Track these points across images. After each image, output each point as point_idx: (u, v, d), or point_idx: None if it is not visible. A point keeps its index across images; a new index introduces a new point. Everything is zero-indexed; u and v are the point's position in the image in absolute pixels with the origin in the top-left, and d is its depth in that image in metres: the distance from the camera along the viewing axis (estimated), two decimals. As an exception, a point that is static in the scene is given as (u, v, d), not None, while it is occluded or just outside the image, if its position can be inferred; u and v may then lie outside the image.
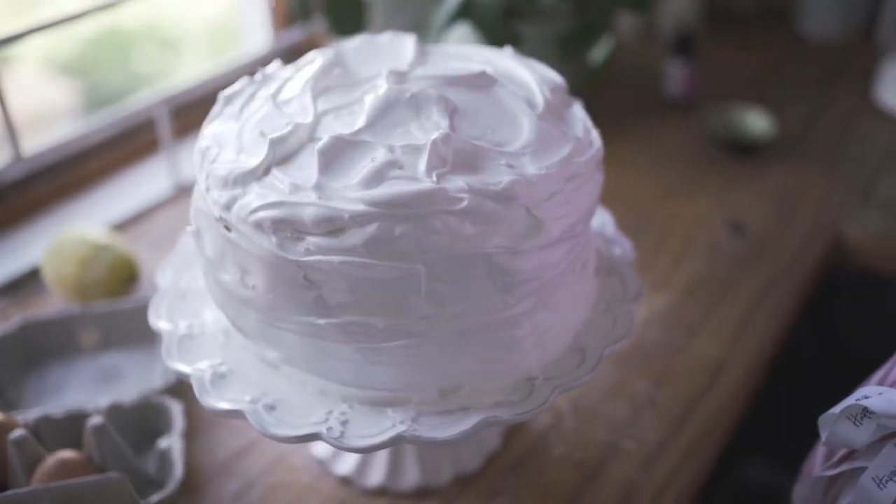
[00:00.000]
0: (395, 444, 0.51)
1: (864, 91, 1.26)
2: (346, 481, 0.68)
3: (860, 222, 0.99)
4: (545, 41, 0.97)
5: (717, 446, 0.72)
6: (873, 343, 1.21)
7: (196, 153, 0.57)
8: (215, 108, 0.60)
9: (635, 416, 0.73)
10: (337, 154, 0.51)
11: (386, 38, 0.66)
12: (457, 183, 0.49)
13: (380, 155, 0.51)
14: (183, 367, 0.56)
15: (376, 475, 0.67)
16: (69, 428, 0.68)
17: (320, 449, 0.70)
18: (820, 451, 0.61)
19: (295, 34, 1.18)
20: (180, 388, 0.74)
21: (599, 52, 1.05)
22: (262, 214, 0.50)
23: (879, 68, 1.25)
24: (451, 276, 0.50)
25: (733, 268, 0.91)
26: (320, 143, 0.51)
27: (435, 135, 0.51)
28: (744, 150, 1.11)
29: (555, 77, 0.62)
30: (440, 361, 0.53)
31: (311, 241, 0.49)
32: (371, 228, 0.48)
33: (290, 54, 1.24)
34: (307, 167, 0.51)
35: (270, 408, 0.54)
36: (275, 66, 0.64)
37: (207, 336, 0.60)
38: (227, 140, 0.55)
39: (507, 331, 0.53)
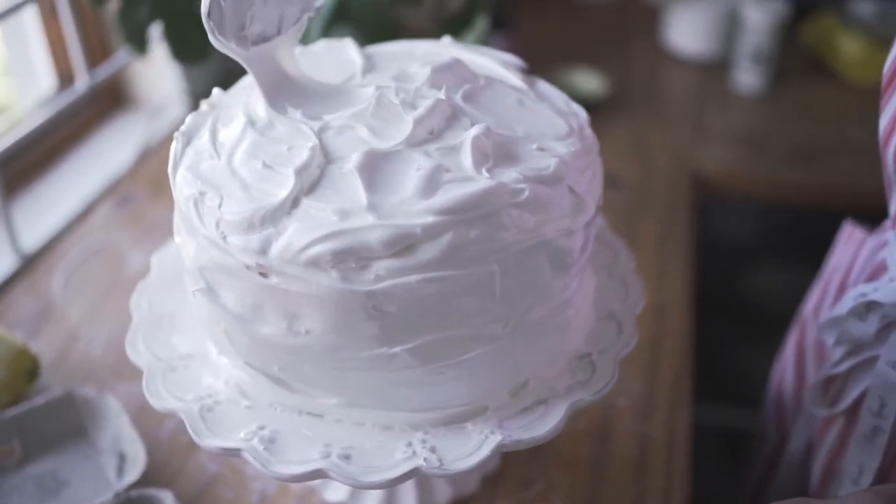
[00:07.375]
0: (498, 452, 0.49)
1: (654, 42, 1.39)
2: (376, 517, 0.64)
3: (708, 156, 1.09)
4: (424, 27, 0.96)
5: (692, 384, 0.77)
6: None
7: (185, 203, 0.49)
8: (175, 149, 0.53)
9: (614, 373, 0.76)
10: (375, 169, 0.47)
11: (320, 46, 0.62)
12: (510, 174, 0.48)
13: (423, 161, 0.47)
14: (225, 444, 0.49)
15: (407, 499, 0.64)
16: (42, 558, 0.58)
17: (337, 494, 0.65)
18: (789, 361, 0.68)
19: (113, 65, 1.06)
20: (154, 475, 0.65)
21: (472, 34, 1.05)
22: (317, 249, 0.45)
23: (665, 20, 1.38)
24: (519, 271, 0.48)
25: (626, 217, 0.97)
26: (354, 161, 0.47)
27: (474, 130, 0.48)
28: (586, 108, 1.17)
29: (510, 58, 0.62)
30: (510, 361, 0.51)
31: (381, 265, 0.45)
32: (446, 238, 0.45)
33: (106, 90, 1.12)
34: (344, 189, 0.47)
35: (346, 458, 0.49)
36: (217, 94, 0.57)
37: (227, 404, 0.53)
38: (221, 181, 0.49)
39: (564, 312, 0.53)
